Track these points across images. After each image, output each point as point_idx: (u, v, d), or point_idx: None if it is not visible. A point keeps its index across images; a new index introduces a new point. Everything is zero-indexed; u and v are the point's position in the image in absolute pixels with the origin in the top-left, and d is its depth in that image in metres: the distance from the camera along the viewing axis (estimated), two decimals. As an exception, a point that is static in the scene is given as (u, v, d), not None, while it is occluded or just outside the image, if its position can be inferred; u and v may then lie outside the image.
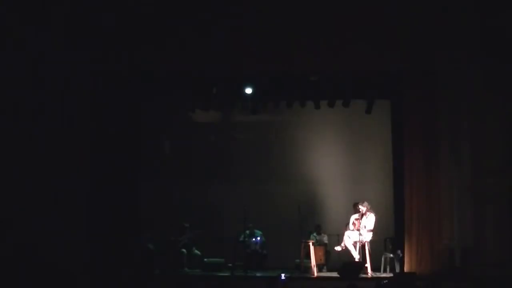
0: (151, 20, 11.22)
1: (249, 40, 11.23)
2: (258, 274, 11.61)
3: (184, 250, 12.32)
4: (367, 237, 11.51)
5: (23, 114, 11.01)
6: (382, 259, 11.76)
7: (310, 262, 11.59)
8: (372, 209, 11.62)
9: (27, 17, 10.86)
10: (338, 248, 11.86)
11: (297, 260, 11.90)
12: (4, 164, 10.83)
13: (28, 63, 10.93)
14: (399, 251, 11.51)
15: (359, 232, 11.47)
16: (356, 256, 11.55)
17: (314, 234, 12.41)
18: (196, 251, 12.47)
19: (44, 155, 10.98)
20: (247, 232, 12.30)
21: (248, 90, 12.23)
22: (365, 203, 11.61)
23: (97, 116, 11.40)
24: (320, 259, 11.99)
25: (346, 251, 11.75)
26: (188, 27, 11.23)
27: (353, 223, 11.67)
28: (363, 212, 11.53)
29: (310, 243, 11.70)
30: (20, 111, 11.00)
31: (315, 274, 11.44)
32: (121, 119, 11.69)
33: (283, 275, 9.73)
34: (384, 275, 11.35)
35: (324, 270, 12.04)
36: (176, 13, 11.21)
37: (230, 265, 11.99)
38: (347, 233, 11.73)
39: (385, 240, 12.02)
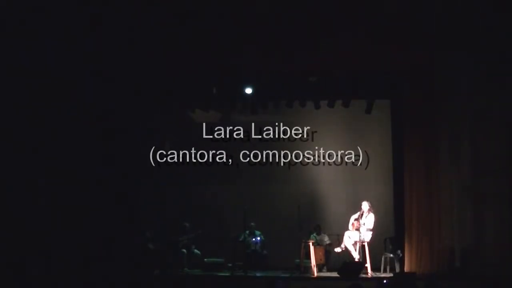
0: (149, 20, 11.21)
1: (249, 40, 11.23)
2: (258, 274, 11.62)
3: (184, 250, 12.33)
4: (367, 236, 11.52)
5: (24, 113, 11.02)
6: (382, 259, 11.77)
7: (310, 262, 11.59)
8: (372, 209, 11.64)
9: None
10: (338, 250, 11.88)
11: (297, 260, 11.90)
12: (5, 164, 10.84)
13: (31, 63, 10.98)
14: (399, 251, 11.51)
15: (358, 231, 11.49)
16: (356, 256, 11.56)
17: (314, 234, 12.42)
18: (196, 251, 12.48)
19: (44, 154, 10.99)
20: (247, 232, 12.31)
21: (248, 90, 12.25)
22: (367, 202, 11.64)
23: (97, 116, 11.39)
24: (320, 259, 12.01)
25: (346, 251, 11.77)
26: (188, 27, 11.23)
27: (352, 224, 11.70)
28: (364, 211, 11.55)
29: (310, 243, 11.71)
30: (20, 110, 11.01)
31: (315, 274, 11.45)
32: (121, 119, 11.68)
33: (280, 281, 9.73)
34: (384, 275, 11.35)
35: (324, 270, 12.05)
36: (176, 13, 11.20)
37: (230, 265, 12.01)
38: (347, 233, 11.75)
39: (385, 240, 12.02)
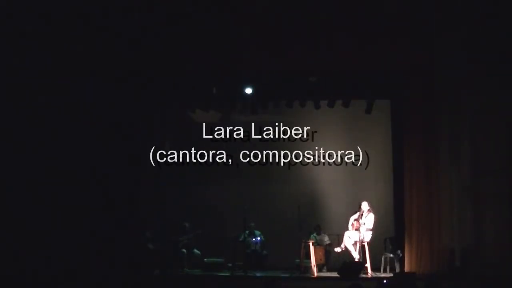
0: (149, 20, 11.22)
1: (249, 40, 11.24)
2: (258, 274, 11.62)
3: (184, 250, 12.34)
4: (367, 236, 11.53)
5: (24, 113, 11.03)
6: (382, 259, 11.77)
7: (310, 262, 11.60)
8: (372, 209, 11.65)
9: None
10: (338, 249, 11.89)
11: (297, 260, 11.91)
12: (5, 164, 10.85)
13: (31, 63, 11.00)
14: (399, 251, 11.51)
15: (358, 231, 11.50)
16: (356, 256, 11.56)
17: (314, 234, 12.42)
18: (196, 251, 12.49)
19: (44, 154, 11.00)
20: (247, 232, 12.31)
21: (248, 90, 12.26)
22: (366, 203, 11.66)
23: (97, 116, 11.39)
24: (320, 259, 12.01)
25: (346, 251, 11.78)
26: (188, 27, 11.24)
27: (352, 224, 11.71)
28: (364, 211, 11.57)
29: (310, 243, 11.71)
30: (20, 110, 11.03)
31: (315, 274, 11.45)
32: (121, 119, 11.68)
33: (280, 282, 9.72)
34: (384, 275, 11.35)
35: (324, 270, 12.06)
36: (176, 13, 11.21)
37: (230, 265, 12.01)
38: (347, 233, 11.76)
39: (385, 240, 12.02)
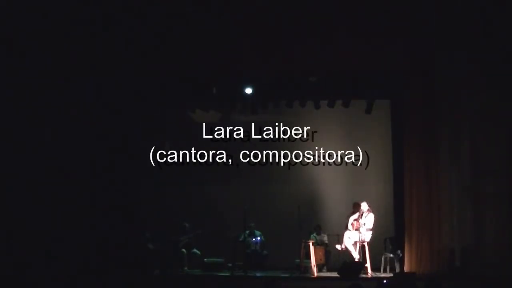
0: (150, 20, 11.23)
1: (249, 40, 11.24)
2: (258, 274, 11.62)
3: (184, 250, 12.34)
4: (367, 236, 11.53)
5: (24, 113, 11.04)
6: (382, 259, 11.77)
7: (310, 262, 11.60)
8: (372, 209, 11.66)
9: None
10: (338, 247, 11.90)
11: (297, 260, 11.91)
12: (5, 164, 10.85)
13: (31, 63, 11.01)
14: (399, 251, 11.51)
15: (358, 231, 11.50)
16: (356, 256, 11.57)
17: (314, 234, 12.42)
18: (196, 251, 12.49)
19: (45, 154, 11.00)
20: (247, 232, 12.31)
21: (248, 90, 12.26)
22: (366, 203, 11.67)
23: (97, 116, 11.39)
24: (320, 259, 12.01)
25: (346, 251, 11.78)
26: (188, 27, 11.24)
27: (352, 224, 11.71)
28: (364, 211, 11.58)
29: (310, 243, 11.71)
30: (20, 110, 11.03)
31: (315, 274, 11.45)
32: (121, 119, 11.68)
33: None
34: (384, 275, 11.35)
35: (324, 270, 12.06)
36: (176, 13, 11.21)
37: (230, 265, 12.01)
38: (346, 234, 11.76)
39: (385, 240, 12.02)
